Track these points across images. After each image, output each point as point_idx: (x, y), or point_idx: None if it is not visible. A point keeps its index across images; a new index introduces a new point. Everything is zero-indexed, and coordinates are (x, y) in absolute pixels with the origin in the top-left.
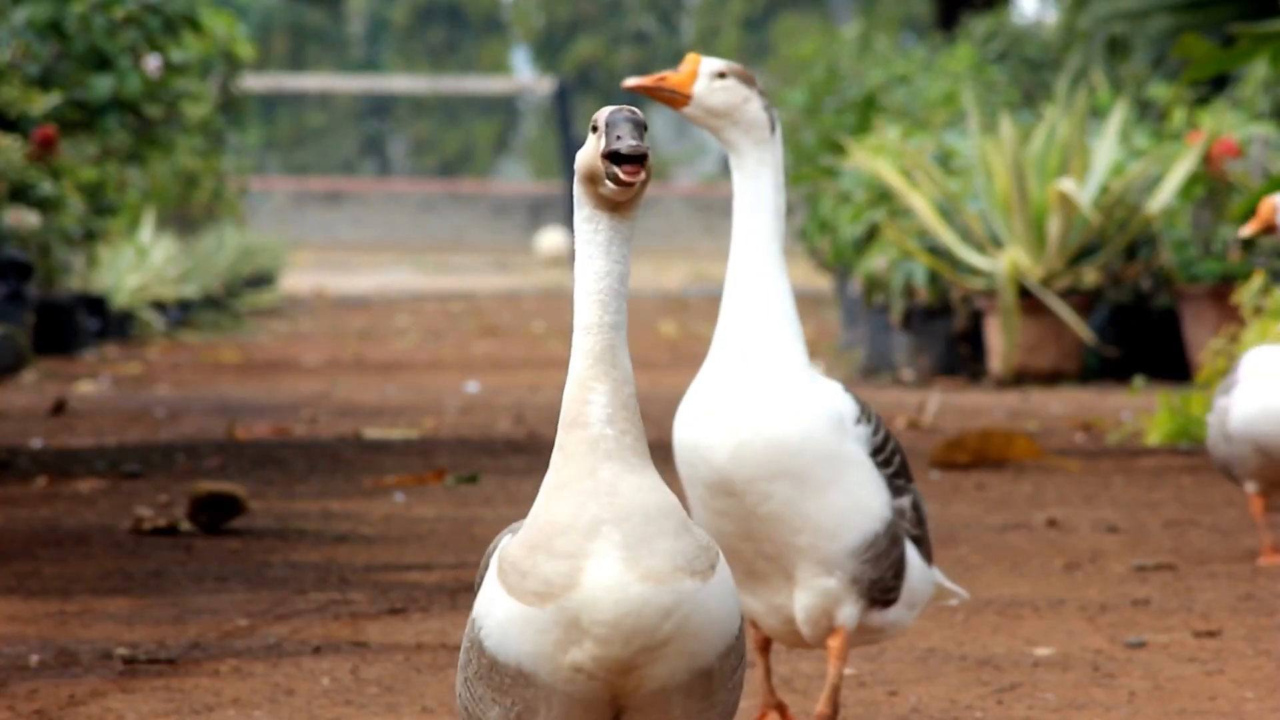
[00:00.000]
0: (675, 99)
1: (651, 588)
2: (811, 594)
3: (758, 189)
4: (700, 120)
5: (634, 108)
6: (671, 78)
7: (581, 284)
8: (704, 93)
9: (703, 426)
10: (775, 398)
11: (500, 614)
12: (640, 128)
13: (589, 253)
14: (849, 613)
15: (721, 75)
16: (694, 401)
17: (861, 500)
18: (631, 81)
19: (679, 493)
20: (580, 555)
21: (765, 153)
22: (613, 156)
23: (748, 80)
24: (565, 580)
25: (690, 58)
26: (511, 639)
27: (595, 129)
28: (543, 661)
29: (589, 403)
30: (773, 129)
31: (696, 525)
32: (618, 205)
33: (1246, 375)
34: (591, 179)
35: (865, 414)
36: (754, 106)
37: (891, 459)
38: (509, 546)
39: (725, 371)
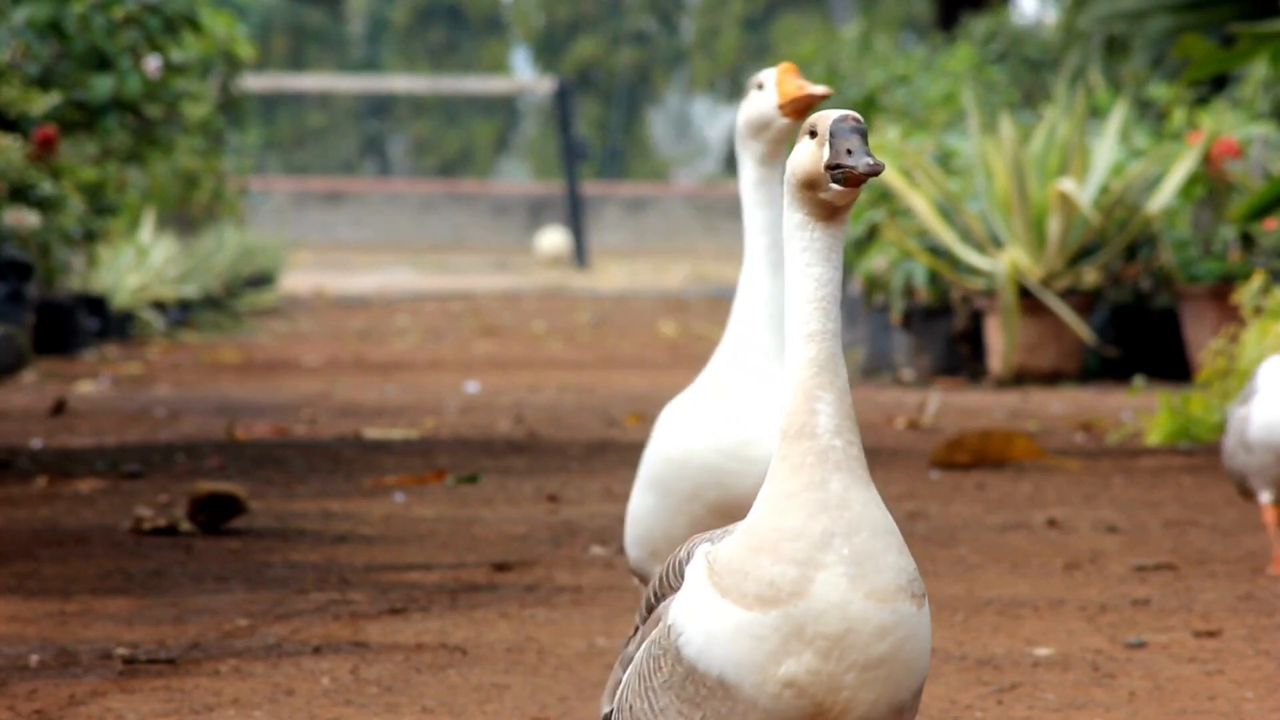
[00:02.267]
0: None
1: (874, 606)
2: None
3: (775, 197)
4: (783, 130)
5: (856, 115)
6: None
7: (800, 291)
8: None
9: (720, 449)
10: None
11: (710, 619)
12: (866, 137)
13: (807, 260)
14: None
15: None
16: (702, 419)
17: None
18: (820, 89)
19: (667, 508)
20: (810, 564)
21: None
22: (842, 175)
23: None
24: (793, 586)
25: (792, 66)
26: (719, 644)
27: (814, 134)
28: (751, 672)
29: (816, 413)
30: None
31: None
32: (835, 212)
33: (1266, 383)
34: (811, 185)
35: None
36: None
37: None
38: (721, 549)
39: (737, 392)
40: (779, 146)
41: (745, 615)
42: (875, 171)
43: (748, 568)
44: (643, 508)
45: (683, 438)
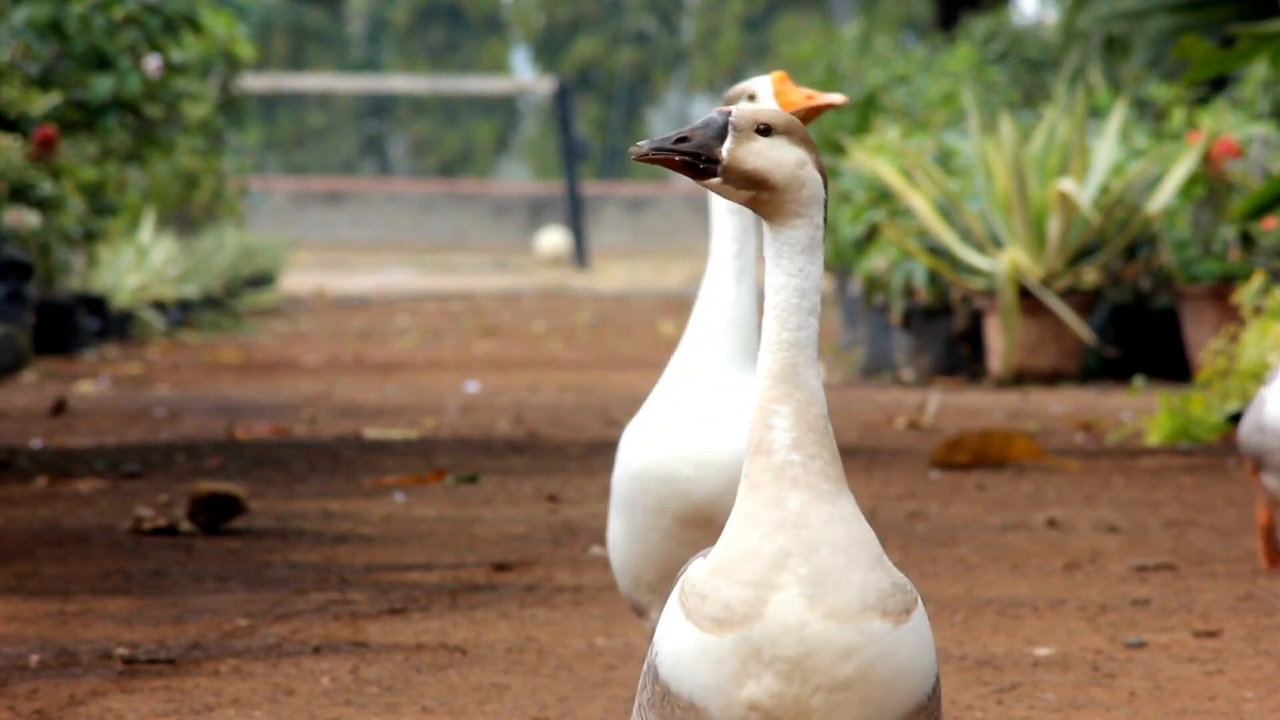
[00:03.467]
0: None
1: (835, 626)
2: None
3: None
4: None
5: (725, 109)
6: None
7: (765, 300)
8: None
9: (678, 457)
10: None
11: (676, 640)
12: (705, 126)
13: (768, 264)
14: None
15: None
16: (660, 431)
17: None
18: (837, 98)
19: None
20: (764, 586)
21: None
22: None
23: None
24: (747, 609)
25: (784, 75)
26: (685, 667)
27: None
28: (715, 695)
29: (771, 427)
30: None
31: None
32: (766, 214)
33: None
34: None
35: None
36: None
37: None
38: (691, 570)
39: (692, 399)
40: None
41: (705, 638)
42: (631, 152)
43: (706, 590)
44: (617, 533)
45: (641, 450)
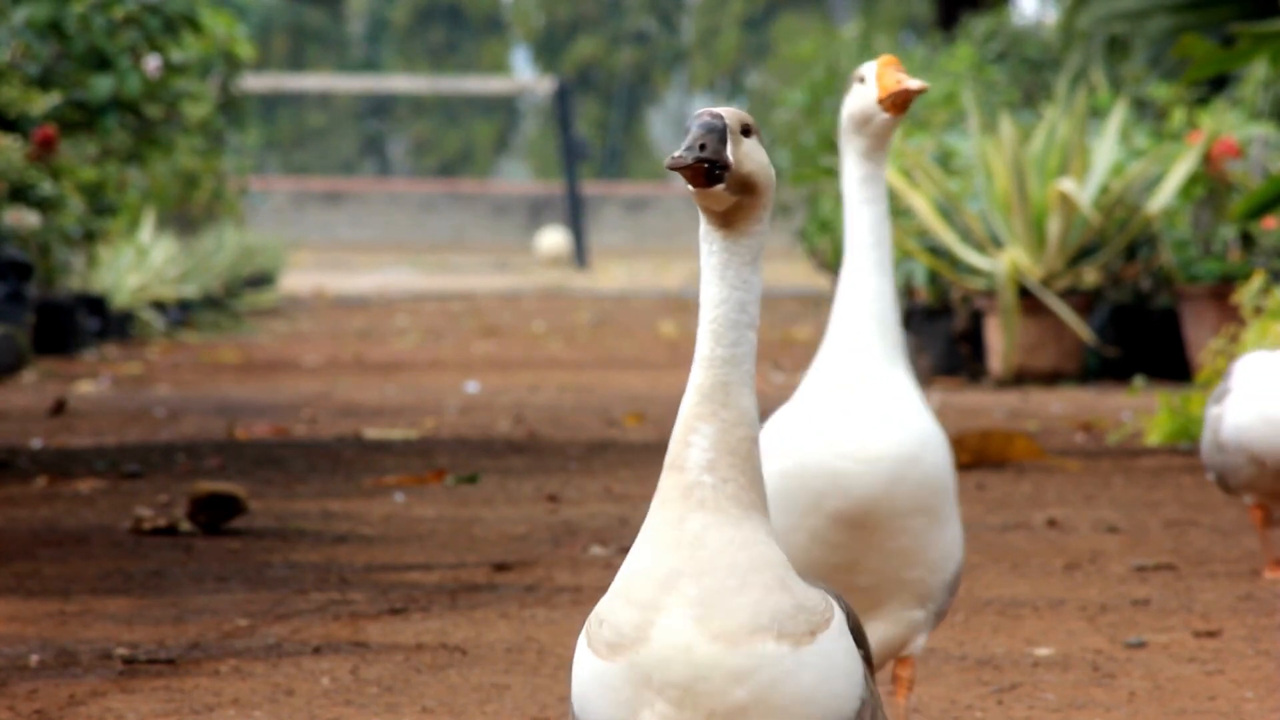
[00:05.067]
0: (909, 104)
1: (722, 648)
2: (896, 626)
3: (885, 200)
4: (889, 130)
5: (716, 110)
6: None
7: (700, 312)
8: None
9: (841, 453)
10: (921, 424)
11: (580, 668)
12: (712, 130)
13: (705, 277)
14: (920, 642)
15: None
16: (818, 425)
17: (958, 533)
18: (918, 83)
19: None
20: (652, 607)
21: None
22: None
23: None
24: (635, 632)
25: (893, 60)
26: (588, 697)
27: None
28: None
29: (689, 445)
30: None
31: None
32: (730, 222)
33: (1239, 382)
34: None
35: None
36: None
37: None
38: (603, 598)
39: (849, 393)
40: (881, 141)
41: (600, 665)
42: (671, 166)
43: (604, 613)
44: None
45: (798, 447)
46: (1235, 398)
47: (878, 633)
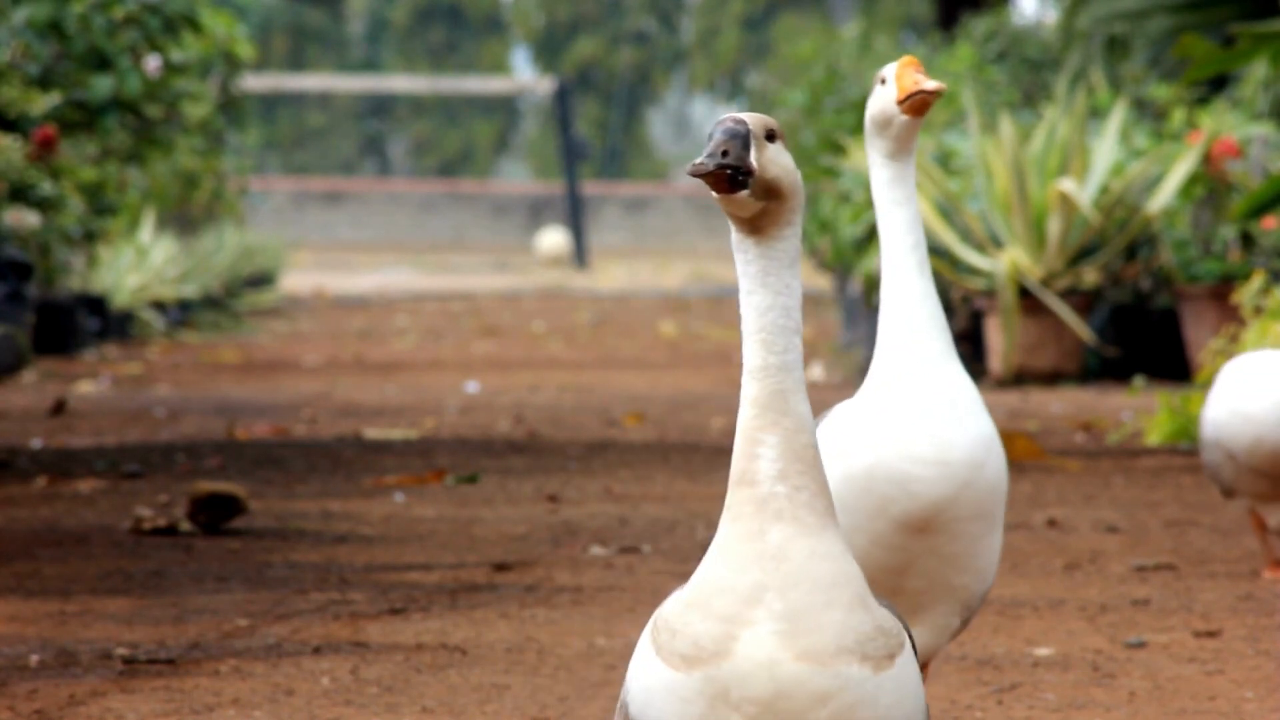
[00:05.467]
0: (929, 105)
1: (809, 668)
2: (932, 633)
3: (916, 201)
4: (912, 128)
5: (739, 116)
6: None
7: (744, 323)
8: None
9: (911, 456)
10: (987, 429)
11: (646, 677)
12: (735, 136)
13: (746, 286)
14: (945, 647)
15: None
16: (884, 428)
17: (1001, 540)
18: (934, 84)
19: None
20: (736, 621)
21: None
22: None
23: None
24: (716, 646)
25: (914, 61)
26: (654, 706)
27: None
28: None
29: (757, 457)
30: None
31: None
32: (759, 228)
33: (1220, 380)
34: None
35: None
36: None
37: None
38: (667, 603)
39: (912, 396)
40: (904, 143)
41: (673, 676)
42: (694, 173)
43: (678, 625)
44: None
45: (867, 450)
46: (1214, 395)
47: (917, 640)
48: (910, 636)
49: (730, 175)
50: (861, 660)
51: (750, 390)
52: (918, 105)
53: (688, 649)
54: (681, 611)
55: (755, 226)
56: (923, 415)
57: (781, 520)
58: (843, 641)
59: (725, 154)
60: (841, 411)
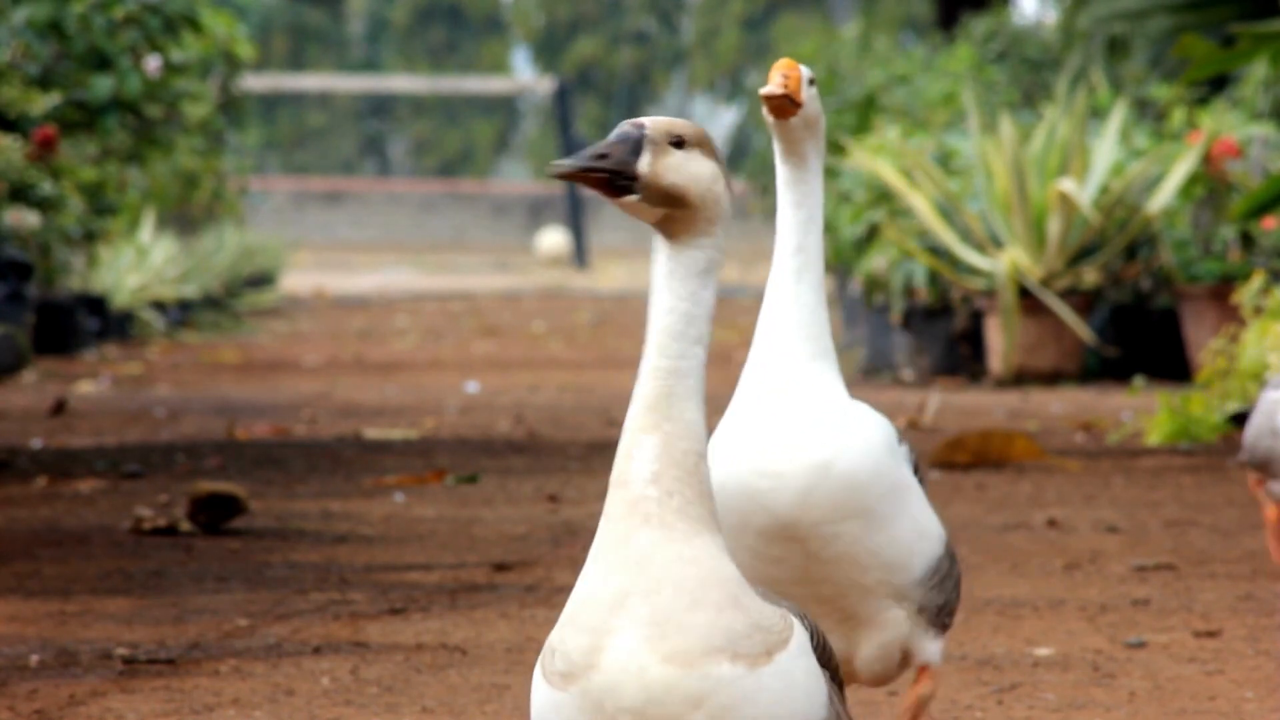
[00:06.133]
0: (788, 108)
1: (676, 671)
2: (884, 630)
3: (814, 205)
4: (793, 132)
5: (637, 121)
6: (790, 84)
7: (650, 321)
8: (807, 101)
9: (754, 469)
10: (833, 431)
11: (536, 699)
12: (623, 140)
13: (654, 284)
14: (931, 649)
15: (812, 82)
16: (737, 441)
17: (921, 525)
18: (773, 89)
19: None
20: (602, 631)
21: (820, 164)
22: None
23: (812, 83)
24: (585, 659)
25: (790, 63)
26: None
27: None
28: None
29: (632, 459)
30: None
31: (753, 587)
32: (672, 233)
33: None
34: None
35: (899, 432)
36: (822, 114)
37: (922, 473)
38: (556, 626)
39: (765, 405)
40: (790, 145)
41: (555, 695)
42: (554, 173)
43: (555, 643)
44: None
45: (721, 463)
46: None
47: (873, 642)
48: (814, 632)
49: (609, 178)
50: (733, 659)
51: (639, 389)
52: (772, 108)
53: (564, 666)
54: (559, 629)
55: (667, 231)
56: (764, 426)
57: (649, 525)
58: (711, 641)
59: (601, 156)
60: (720, 424)
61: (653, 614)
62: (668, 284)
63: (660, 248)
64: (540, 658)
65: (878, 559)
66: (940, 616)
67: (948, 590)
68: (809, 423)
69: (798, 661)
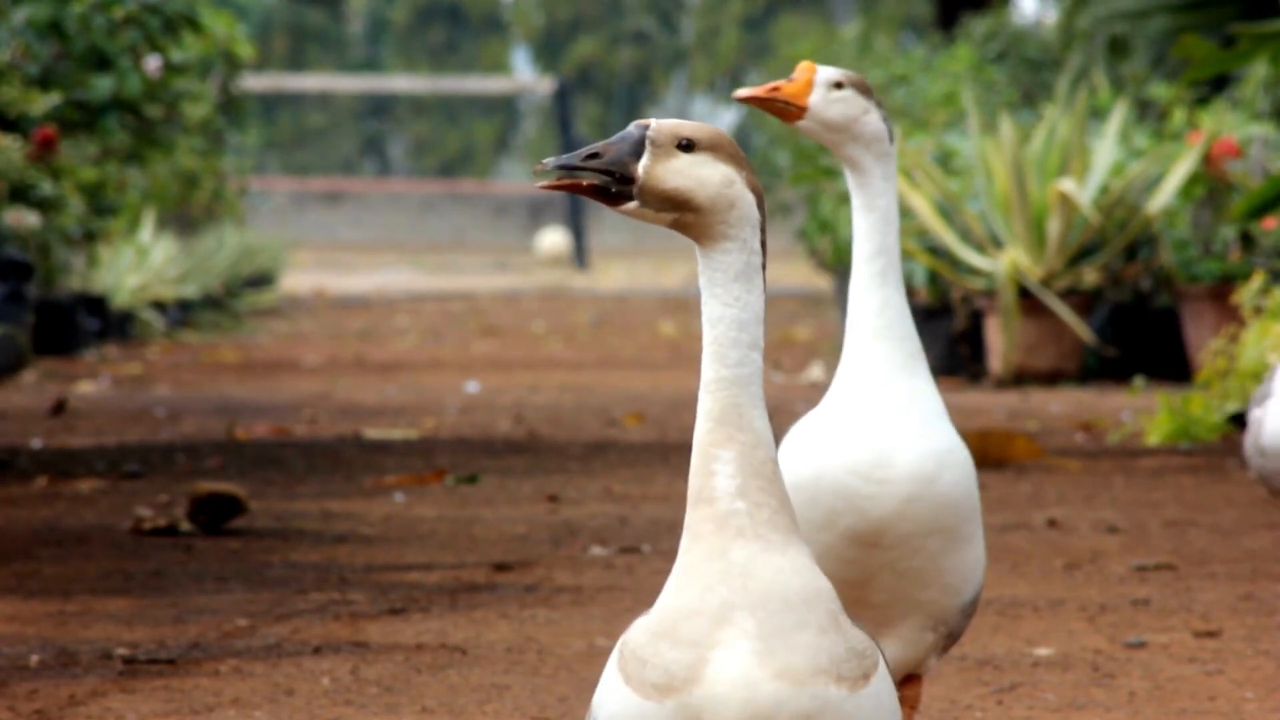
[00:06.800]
0: (788, 111)
1: (787, 688)
2: (906, 646)
3: (886, 207)
4: (815, 134)
5: (642, 121)
6: (785, 88)
7: (704, 333)
8: (820, 105)
9: (853, 470)
10: (939, 444)
11: (615, 706)
12: (622, 140)
13: (703, 295)
14: (931, 663)
15: (838, 85)
16: (831, 439)
17: (980, 554)
18: (743, 92)
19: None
20: (706, 644)
21: (889, 167)
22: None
23: (865, 90)
24: (687, 672)
25: (805, 66)
26: None
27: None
28: None
29: (713, 474)
30: (892, 141)
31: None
32: (696, 239)
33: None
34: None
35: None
36: (873, 119)
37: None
38: (632, 631)
39: (865, 408)
40: (835, 151)
41: (643, 704)
42: (543, 185)
43: (647, 655)
44: None
45: (808, 459)
46: (1276, 402)
47: (888, 652)
48: (883, 655)
49: (605, 182)
50: (838, 681)
51: (705, 404)
52: (772, 112)
53: (659, 678)
54: (650, 641)
55: (688, 235)
56: (869, 428)
57: (743, 538)
58: (818, 662)
59: (594, 156)
60: (802, 421)
61: (759, 628)
62: (710, 290)
63: (698, 254)
64: (619, 663)
65: (941, 579)
66: (951, 641)
67: (969, 619)
68: (917, 429)
69: (884, 685)
